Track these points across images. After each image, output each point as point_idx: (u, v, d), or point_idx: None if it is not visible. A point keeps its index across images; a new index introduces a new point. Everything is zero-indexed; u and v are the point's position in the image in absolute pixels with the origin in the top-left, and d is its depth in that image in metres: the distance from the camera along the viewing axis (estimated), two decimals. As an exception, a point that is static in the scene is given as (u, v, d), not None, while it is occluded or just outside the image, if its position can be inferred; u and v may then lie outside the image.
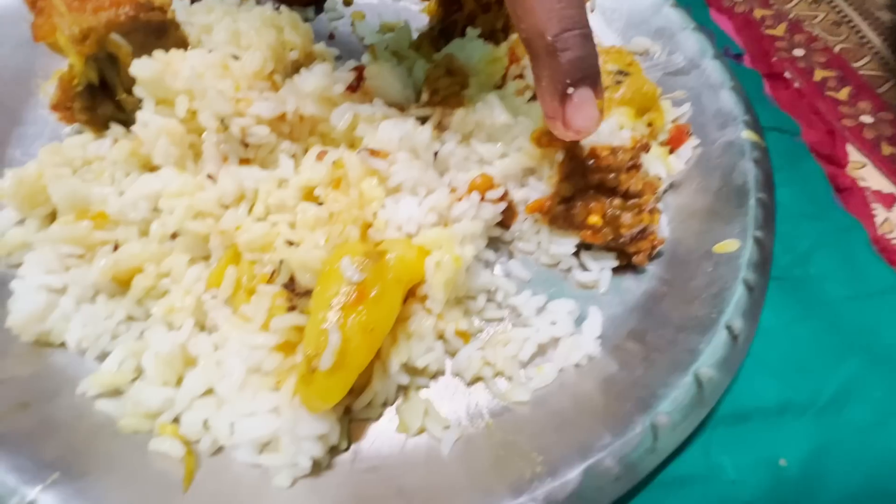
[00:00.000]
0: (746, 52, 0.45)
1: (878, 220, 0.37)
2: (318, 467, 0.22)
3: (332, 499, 0.21)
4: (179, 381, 0.24)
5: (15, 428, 0.21)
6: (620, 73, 0.34)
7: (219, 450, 0.22)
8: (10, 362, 0.24)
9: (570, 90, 0.25)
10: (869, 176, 0.40)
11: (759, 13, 0.51)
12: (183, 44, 0.34)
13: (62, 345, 0.25)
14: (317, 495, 0.21)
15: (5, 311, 0.25)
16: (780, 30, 0.50)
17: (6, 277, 0.27)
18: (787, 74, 0.45)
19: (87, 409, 0.23)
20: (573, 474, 0.21)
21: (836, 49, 0.49)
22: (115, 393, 0.24)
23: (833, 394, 0.26)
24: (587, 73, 0.25)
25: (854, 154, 0.41)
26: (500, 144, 0.32)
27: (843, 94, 0.45)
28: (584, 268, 0.30)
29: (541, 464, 0.21)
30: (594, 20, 0.42)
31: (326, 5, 0.42)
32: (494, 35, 0.38)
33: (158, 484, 0.20)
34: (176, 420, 0.23)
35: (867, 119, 0.43)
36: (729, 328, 0.25)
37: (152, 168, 0.31)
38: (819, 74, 0.46)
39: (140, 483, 0.20)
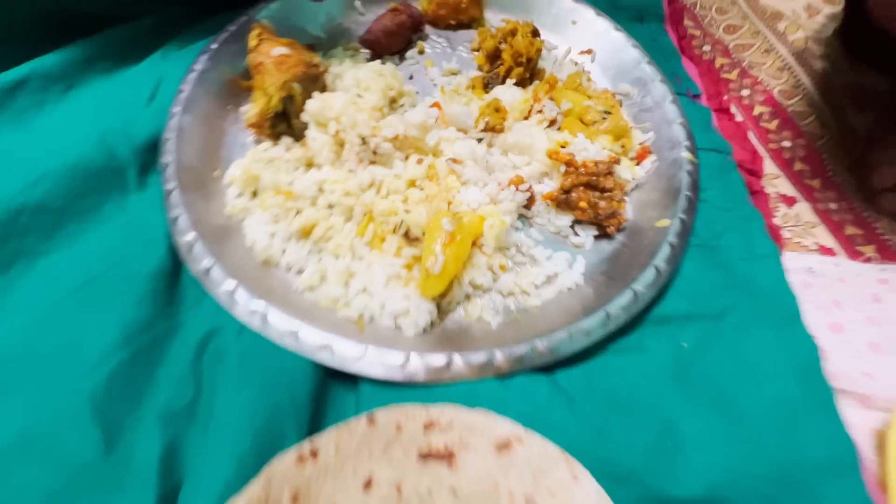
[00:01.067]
0: (704, 92, 0.64)
1: (780, 213, 0.56)
2: (426, 330, 0.42)
3: (436, 339, 0.41)
4: (347, 284, 0.44)
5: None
6: (605, 112, 0.54)
7: (372, 318, 0.43)
8: (252, 274, 0.44)
9: None
10: (780, 184, 0.59)
11: (719, 61, 0.70)
12: (325, 87, 0.55)
13: (277, 265, 0.46)
14: (427, 339, 0.41)
15: (243, 244, 0.46)
16: (733, 74, 0.69)
17: (236, 227, 0.47)
18: (732, 109, 0.64)
19: (299, 298, 0.43)
20: (563, 334, 0.40)
21: (775, 91, 0.68)
22: (311, 289, 0.44)
23: (721, 308, 0.45)
24: None
25: (772, 168, 0.60)
26: (526, 157, 0.52)
27: (773, 125, 0.64)
28: (576, 234, 0.50)
29: (547, 330, 0.41)
30: (594, 68, 0.62)
31: (406, 55, 0.63)
32: (524, 82, 0.58)
33: (346, 328, 0.41)
34: (347, 304, 0.43)
35: (787, 144, 0.63)
36: (656, 267, 0.44)
37: (311, 164, 0.51)
38: (757, 110, 0.66)
39: (335, 325, 0.40)
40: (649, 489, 0.34)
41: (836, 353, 0.45)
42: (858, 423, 0.41)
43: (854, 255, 0.53)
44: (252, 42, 0.51)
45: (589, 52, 0.62)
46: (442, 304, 0.44)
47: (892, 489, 0.36)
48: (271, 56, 0.49)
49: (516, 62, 0.56)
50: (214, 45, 0.55)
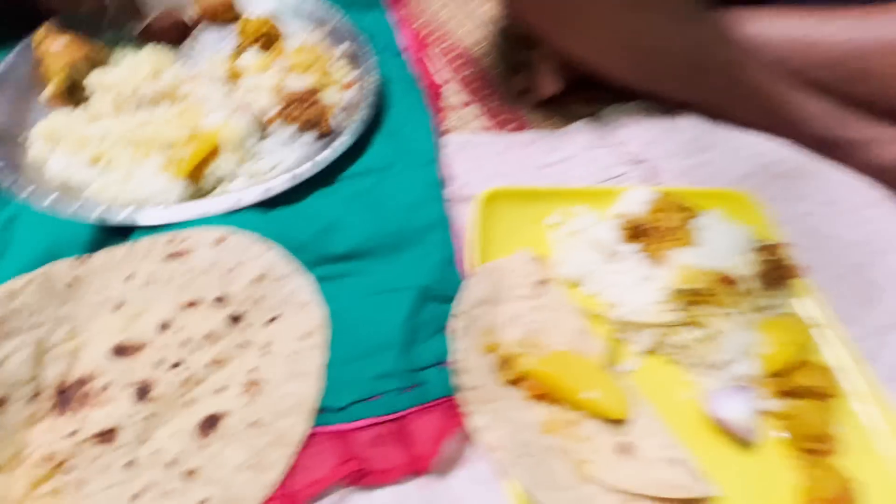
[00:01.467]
0: (409, 48, 0.93)
1: (454, 115, 0.85)
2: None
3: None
4: (128, 182, 0.64)
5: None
6: (318, 63, 0.80)
7: (146, 197, 0.63)
8: (52, 187, 0.63)
9: None
10: (460, 98, 0.88)
11: (428, 29, 1.01)
12: (105, 64, 0.76)
13: (72, 185, 0.65)
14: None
15: (47, 177, 0.64)
16: (437, 36, 1.00)
17: (40, 167, 0.66)
18: (429, 57, 0.94)
19: (91, 198, 0.63)
20: (278, 185, 0.64)
21: (467, 42, 0.99)
22: (101, 191, 0.64)
23: (389, 164, 0.71)
24: None
25: (458, 88, 0.90)
26: (261, 95, 0.76)
27: (463, 64, 0.95)
28: (302, 136, 0.74)
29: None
30: (319, 39, 0.89)
31: (183, 45, 0.85)
32: (266, 48, 0.83)
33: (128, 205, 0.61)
34: (128, 193, 0.63)
35: (464, 71, 0.93)
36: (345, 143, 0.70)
37: (97, 119, 0.71)
38: (452, 55, 0.96)
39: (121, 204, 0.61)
40: (317, 252, 0.58)
41: (472, 180, 0.73)
42: (469, 213, 0.68)
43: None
44: (38, 39, 0.71)
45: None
46: (199, 185, 0.66)
47: (472, 247, 0.62)
48: (55, 46, 0.70)
49: (255, 39, 0.81)
50: (18, 48, 0.74)
